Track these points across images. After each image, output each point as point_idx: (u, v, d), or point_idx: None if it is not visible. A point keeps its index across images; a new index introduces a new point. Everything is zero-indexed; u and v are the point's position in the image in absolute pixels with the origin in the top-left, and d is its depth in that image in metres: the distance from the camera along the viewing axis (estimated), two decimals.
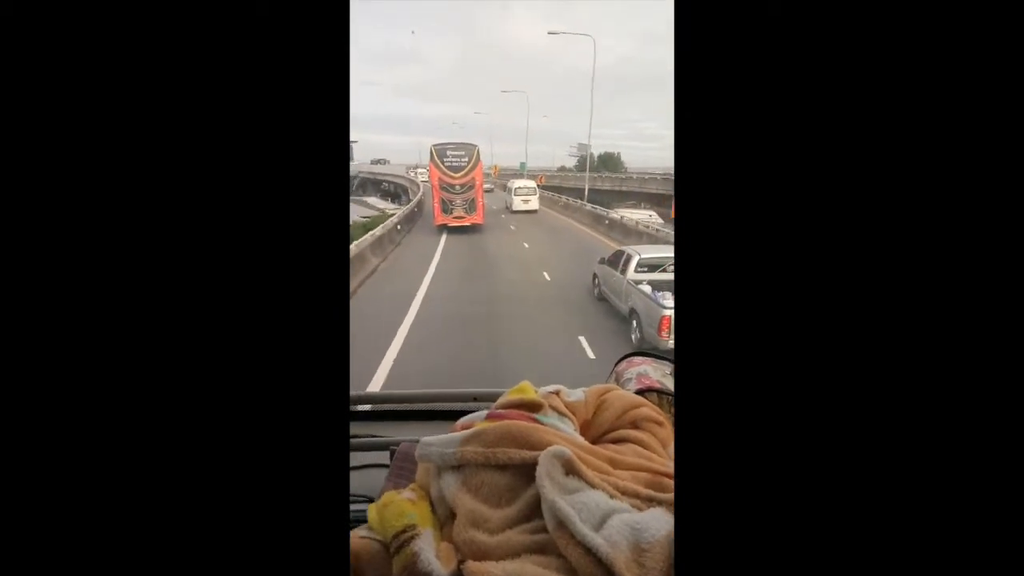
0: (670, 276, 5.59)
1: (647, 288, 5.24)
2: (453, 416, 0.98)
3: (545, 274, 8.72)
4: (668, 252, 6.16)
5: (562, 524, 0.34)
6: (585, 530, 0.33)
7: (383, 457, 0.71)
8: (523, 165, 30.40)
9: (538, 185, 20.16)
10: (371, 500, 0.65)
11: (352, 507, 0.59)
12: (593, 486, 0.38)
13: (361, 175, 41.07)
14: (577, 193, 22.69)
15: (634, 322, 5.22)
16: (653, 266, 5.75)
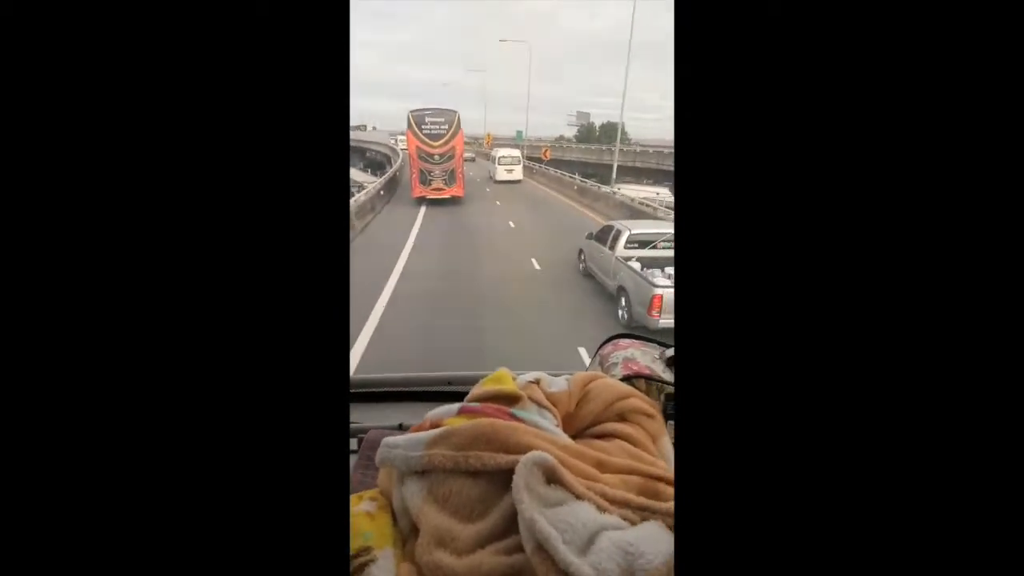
0: (661, 253, 5.41)
1: (636, 265, 5.04)
2: (427, 398, 0.91)
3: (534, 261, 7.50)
4: (660, 228, 5.90)
5: (541, 546, 0.30)
6: (569, 555, 0.29)
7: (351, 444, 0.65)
8: (520, 134, 27.96)
9: (543, 159, 18.71)
10: None
11: None
12: (579, 497, 0.33)
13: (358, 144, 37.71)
14: (581, 168, 20.95)
15: (622, 300, 5.05)
16: (644, 242, 5.53)
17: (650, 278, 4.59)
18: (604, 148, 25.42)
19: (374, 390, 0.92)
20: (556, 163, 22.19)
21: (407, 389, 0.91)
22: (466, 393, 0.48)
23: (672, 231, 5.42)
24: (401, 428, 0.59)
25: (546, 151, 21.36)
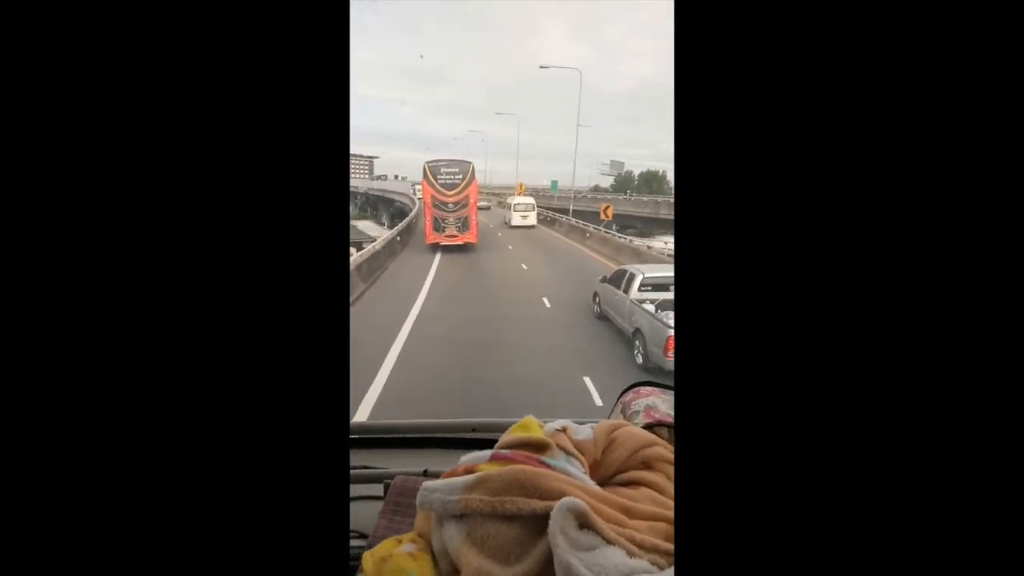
0: (671, 295, 5.51)
1: (651, 308, 5.14)
2: (450, 445, 0.92)
3: (545, 300, 7.86)
4: (672, 271, 6.10)
5: None
6: None
7: (376, 489, 0.67)
8: (555, 184, 27.79)
9: (604, 218, 15.51)
10: (363, 536, 0.61)
11: None
12: (610, 542, 0.35)
13: (371, 192, 37.44)
14: (625, 221, 19.49)
15: (637, 343, 5.10)
16: (657, 286, 5.66)
17: (665, 320, 4.69)
18: (648, 199, 24.12)
19: (398, 436, 0.93)
20: (584, 216, 19.39)
21: (432, 436, 0.92)
22: (490, 440, 0.49)
23: None
24: (426, 474, 0.62)
25: (607, 208, 16.35)
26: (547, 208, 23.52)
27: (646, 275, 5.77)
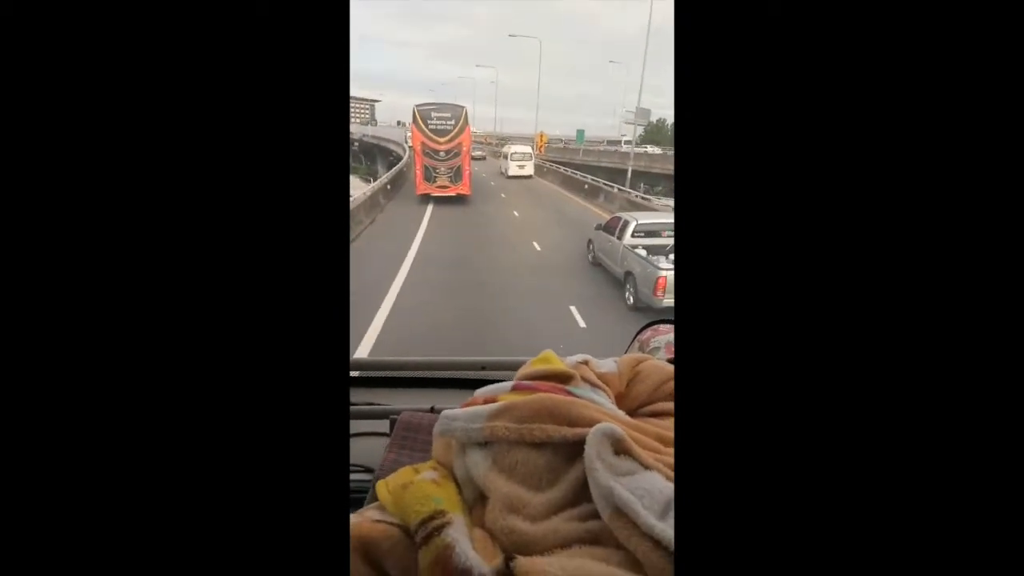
0: (665, 241, 5.89)
1: (643, 252, 5.53)
2: (458, 384, 0.92)
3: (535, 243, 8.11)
4: (664, 218, 6.38)
5: (620, 512, 0.31)
6: (651, 519, 0.30)
7: (381, 426, 0.66)
8: (581, 134, 25.30)
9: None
10: (368, 470, 0.62)
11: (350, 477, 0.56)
12: (648, 467, 0.34)
13: (365, 139, 32.14)
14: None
15: (628, 285, 5.50)
16: (650, 232, 6.00)
17: (655, 263, 5.06)
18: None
19: (405, 374, 0.89)
20: (612, 173, 16.78)
21: (440, 375, 0.89)
22: (500, 379, 0.48)
23: (672, 221, 5.98)
24: (433, 411, 0.60)
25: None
26: (566, 164, 19.90)
27: (640, 221, 6.10)
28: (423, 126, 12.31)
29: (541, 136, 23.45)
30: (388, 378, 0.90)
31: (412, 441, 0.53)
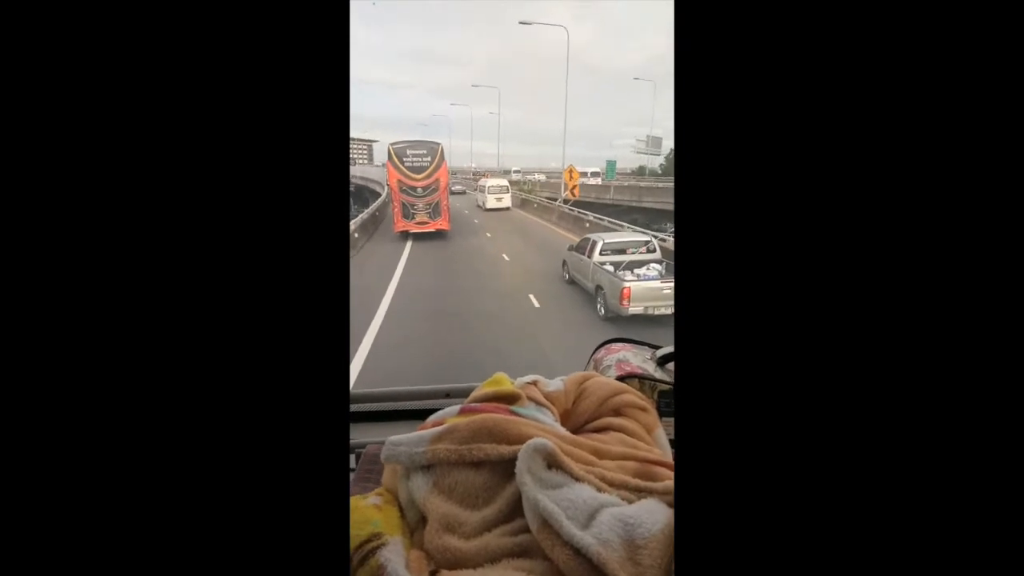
0: (628, 257, 6.68)
1: (610, 268, 6.28)
2: (424, 416, 0.90)
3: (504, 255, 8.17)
4: (627, 236, 7.35)
5: (546, 523, 0.31)
6: (572, 529, 0.30)
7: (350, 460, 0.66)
8: (612, 166, 19.77)
9: None
10: None
11: None
12: (578, 479, 0.35)
13: (352, 181, 28.83)
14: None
15: (599, 297, 6.19)
16: (616, 249, 6.78)
17: (621, 276, 5.78)
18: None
19: (371, 408, 0.88)
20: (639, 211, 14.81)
21: (405, 407, 0.87)
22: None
23: (634, 239, 6.82)
24: None
25: None
26: (589, 203, 16.17)
27: (606, 240, 6.88)
28: (399, 164, 12.32)
29: (571, 172, 15.61)
30: (358, 413, 0.90)
31: (378, 473, 0.53)
